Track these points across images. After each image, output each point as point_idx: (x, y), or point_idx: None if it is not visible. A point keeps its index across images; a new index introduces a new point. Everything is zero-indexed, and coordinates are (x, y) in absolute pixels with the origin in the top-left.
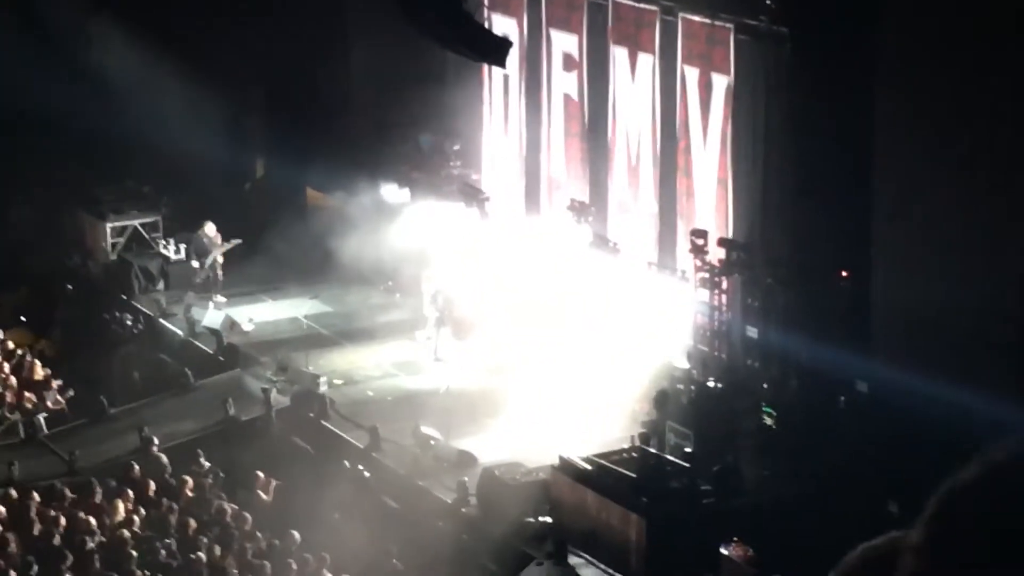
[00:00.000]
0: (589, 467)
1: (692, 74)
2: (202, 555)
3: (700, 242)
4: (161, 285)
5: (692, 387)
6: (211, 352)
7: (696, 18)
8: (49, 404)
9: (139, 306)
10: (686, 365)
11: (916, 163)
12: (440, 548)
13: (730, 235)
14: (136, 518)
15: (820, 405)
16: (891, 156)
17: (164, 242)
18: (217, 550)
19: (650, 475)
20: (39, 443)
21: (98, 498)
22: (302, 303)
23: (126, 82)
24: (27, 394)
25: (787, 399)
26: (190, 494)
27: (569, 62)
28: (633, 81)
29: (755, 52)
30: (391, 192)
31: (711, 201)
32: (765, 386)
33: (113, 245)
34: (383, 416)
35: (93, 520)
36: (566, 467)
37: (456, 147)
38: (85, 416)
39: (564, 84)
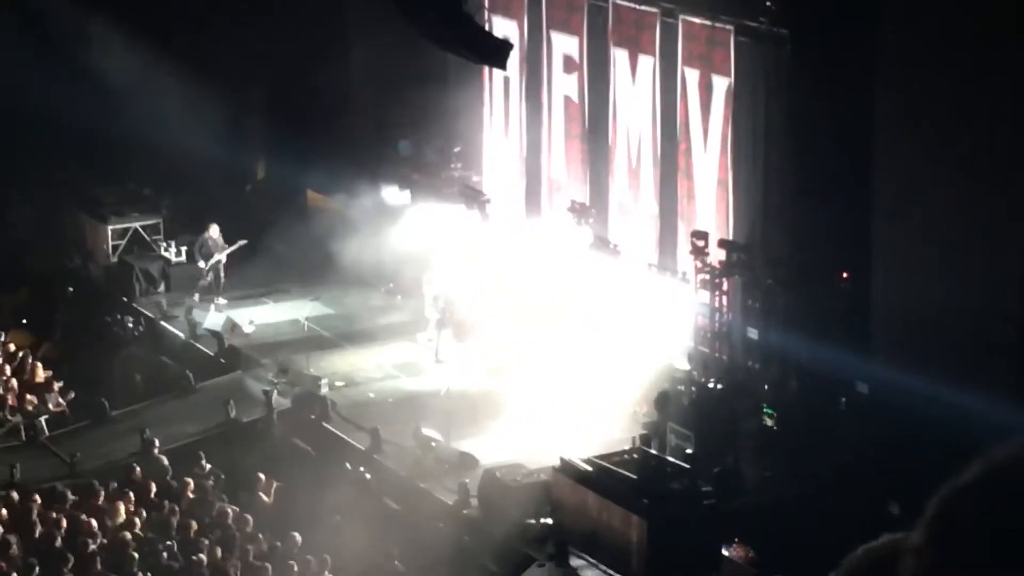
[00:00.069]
0: (590, 468)
1: (692, 76)
2: (203, 557)
3: (700, 243)
4: (162, 287)
5: (693, 388)
6: (212, 354)
7: (696, 20)
8: (50, 406)
9: (140, 308)
10: (687, 366)
11: (916, 163)
12: (441, 550)
13: (730, 236)
14: (137, 520)
15: (820, 406)
16: (891, 156)
17: (165, 244)
18: (218, 552)
19: (651, 476)
20: (40, 445)
21: (100, 500)
22: (303, 305)
23: (126, 82)
24: (28, 396)
25: (787, 400)
26: (191, 496)
27: (569, 64)
28: (633, 83)
29: (755, 53)
30: (392, 194)
31: (711, 202)
32: (766, 387)
33: (114, 247)
34: (384, 418)
35: (94, 522)
36: (567, 468)
37: (457, 149)
38: (86, 418)
39: (564, 86)
